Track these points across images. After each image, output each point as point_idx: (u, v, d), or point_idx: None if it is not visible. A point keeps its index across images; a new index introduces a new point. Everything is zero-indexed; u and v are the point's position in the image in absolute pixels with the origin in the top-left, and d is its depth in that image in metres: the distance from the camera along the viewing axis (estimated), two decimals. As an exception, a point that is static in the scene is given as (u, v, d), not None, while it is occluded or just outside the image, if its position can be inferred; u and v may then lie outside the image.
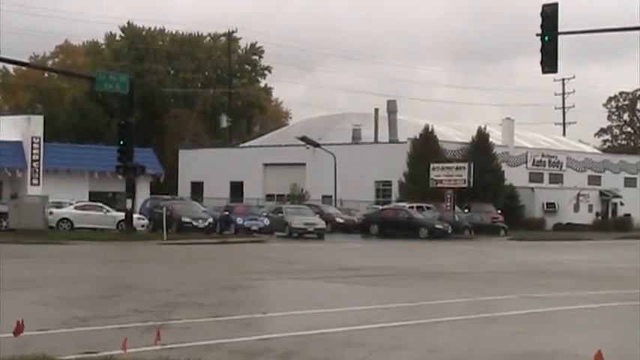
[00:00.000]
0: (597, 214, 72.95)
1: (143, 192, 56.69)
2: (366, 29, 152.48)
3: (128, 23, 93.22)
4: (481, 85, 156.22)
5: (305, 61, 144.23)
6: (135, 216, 45.34)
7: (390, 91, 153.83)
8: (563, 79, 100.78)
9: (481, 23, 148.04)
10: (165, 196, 57.18)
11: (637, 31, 31.38)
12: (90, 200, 53.39)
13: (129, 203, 43.85)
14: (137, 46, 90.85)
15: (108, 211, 47.98)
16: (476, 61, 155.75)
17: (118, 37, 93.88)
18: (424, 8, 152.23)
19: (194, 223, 47.58)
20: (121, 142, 42.88)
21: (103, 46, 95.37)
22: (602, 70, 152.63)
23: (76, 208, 48.33)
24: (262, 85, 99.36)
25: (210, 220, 48.71)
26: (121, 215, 45.31)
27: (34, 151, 53.61)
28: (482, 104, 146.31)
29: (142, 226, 46.66)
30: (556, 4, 27.84)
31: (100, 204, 49.54)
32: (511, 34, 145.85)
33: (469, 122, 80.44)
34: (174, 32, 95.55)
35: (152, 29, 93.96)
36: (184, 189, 75.35)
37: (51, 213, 45.62)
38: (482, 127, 69.12)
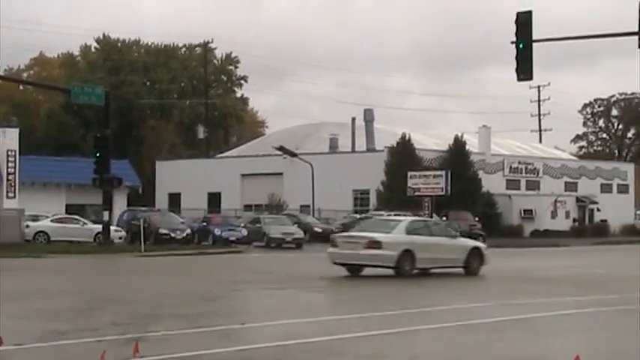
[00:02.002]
0: (574, 220, 73.32)
1: (120, 204, 56.47)
2: (337, 38, 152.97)
3: (103, 35, 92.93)
4: (454, 93, 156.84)
5: (278, 71, 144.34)
6: (112, 228, 45.11)
7: (363, 100, 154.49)
8: (539, 86, 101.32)
9: (452, 31, 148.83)
10: (143, 208, 56.95)
11: (610, 38, 31.62)
12: (67, 213, 53.12)
13: (106, 215, 43.64)
14: (112, 57, 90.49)
15: (85, 223, 47.78)
16: (448, 69, 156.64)
17: (93, 49, 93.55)
18: (395, 17, 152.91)
19: (172, 235, 47.42)
20: (98, 155, 42.62)
21: (78, 58, 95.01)
22: (576, 77, 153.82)
23: (52, 221, 48.07)
24: (238, 95, 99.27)
25: (188, 231, 48.57)
26: (99, 228, 45.09)
27: (10, 164, 53.15)
28: (458, 112, 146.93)
29: (120, 238, 46.40)
30: (530, 12, 28.03)
31: (77, 217, 49.34)
32: (482, 41, 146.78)
33: (445, 130, 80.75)
34: (149, 44, 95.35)
35: (127, 41, 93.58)
36: (162, 200, 75.09)
37: (27, 226, 45.30)
38: (459, 135, 69.30)
